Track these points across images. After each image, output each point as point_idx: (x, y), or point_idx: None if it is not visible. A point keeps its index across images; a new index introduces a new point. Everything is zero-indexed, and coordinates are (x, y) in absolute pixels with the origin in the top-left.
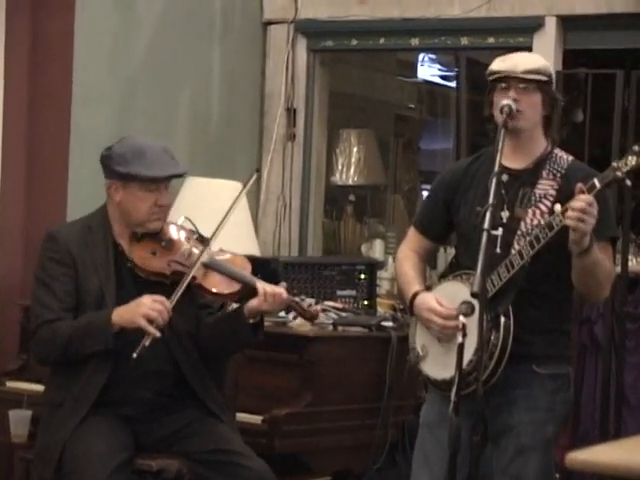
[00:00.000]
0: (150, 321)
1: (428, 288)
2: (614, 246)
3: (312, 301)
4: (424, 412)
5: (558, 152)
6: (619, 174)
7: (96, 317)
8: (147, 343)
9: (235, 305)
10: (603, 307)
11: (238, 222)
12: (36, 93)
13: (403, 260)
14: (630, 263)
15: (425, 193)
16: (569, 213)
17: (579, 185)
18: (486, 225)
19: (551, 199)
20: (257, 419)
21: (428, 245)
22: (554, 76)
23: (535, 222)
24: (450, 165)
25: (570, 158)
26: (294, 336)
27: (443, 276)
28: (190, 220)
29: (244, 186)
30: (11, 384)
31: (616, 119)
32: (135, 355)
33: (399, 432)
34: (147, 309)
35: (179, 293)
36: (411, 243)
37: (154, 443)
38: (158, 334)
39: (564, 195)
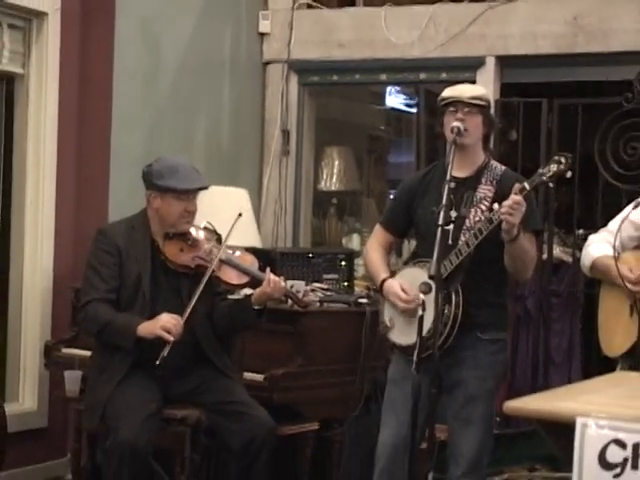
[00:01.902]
0: (167, 331)
1: (393, 273)
2: (537, 237)
3: (303, 288)
4: (390, 370)
5: (494, 163)
6: (544, 178)
7: (128, 322)
8: (166, 353)
9: (243, 292)
10: (533, 286)
11: (244, 221)
12: (84, 120)
13: (371, 251)
14: (554, 251)
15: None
16: (502, 209)
17: (516, 185)
18: (440, 221)
19: (489, 200)
20: (259, 377)
21: (391, 239)
22: (492, 103)
23: (477, 219)
24: (410, 175)
25: (503, 168)
26: (289, 311)
27: (405, 263)
28: (211, 224)
29: (227, 232)
30: (65, 350)
31: (542, 138)
32: (158, 362)
33: (372, 387)
34: (164, 323)
35: (200, 289)
36: (377, 237)
37: (178, 397)
38: (172, 339)
39: (499, 197)
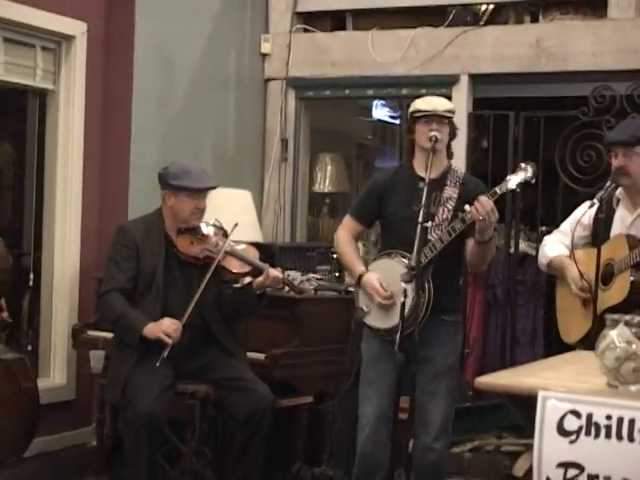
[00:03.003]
0: (167, 335)
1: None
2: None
3: (299, 277)
4: (365, 351)
5: (455, 167)
6: (511, 184)
7: (136, 321)
8: (165, 354)
9: (245, 281)
10: (502, 275)
11: (247, 219)
12: (107, 130)
13: (343, 242)
14: (520, 245)
15: None
16: (480, 212)
17: (485, 195)
18: (420, 219)
19: (454, 200)
20: (261, 356)
21: (360, 229)
22: (464, 115)
23: (444, 216)
24: (380, 173)
25: (463, 171)
26: (287, 298)
27: (380, 255)
28: (218, 221)
29: (233, 227)
30: (90, 332)
31: (510, 146)
32: (158, 364)
33: (359, 365)
34: (165, 327)
35: (207, 277)
36: (348, 227)
37: (189, 373)
38: (170, 342)
39: (463, 197)
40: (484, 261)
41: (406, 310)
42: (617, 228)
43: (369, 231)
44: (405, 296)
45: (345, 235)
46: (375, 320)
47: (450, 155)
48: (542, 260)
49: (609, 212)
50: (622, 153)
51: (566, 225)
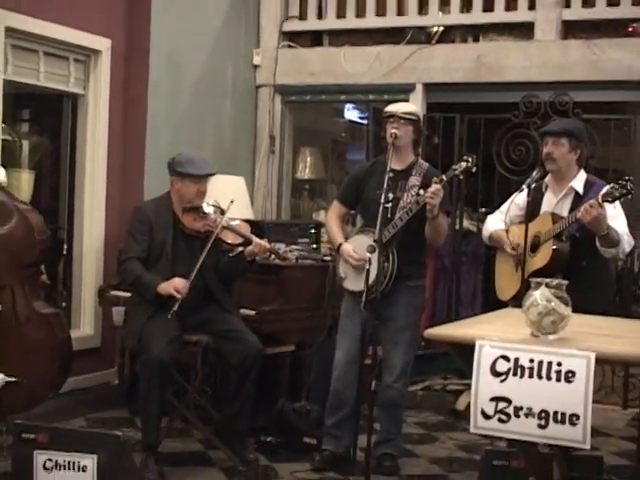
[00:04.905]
0: (177, 290)
1: (346, 238)
2: (448, 215)
3: (284, 248)
4: (342, 308)
5: (420, 161)
6: (457, 172)
7: (151, 281)
8: (176, 307)
9: (239, 250)
10: (448, 248)
11: (241, 200)
12: (126, 128)
13: (330, 221)
14: (464, 223)
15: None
16: (426, 194)
17: (434, 179)
18: (382, 201)
19: (417, 187)
20: (252, 312)
21: (344, 211)
22: (421, 116)
23: (408, 200)
24: (360, 164)
25: (427, 165)
26: (274, 265)
27: (357, 232)
28: (217, 201)
29: (228, 206)
30: (113, 292)
31: (456, 142)
32: (169, 316)
33: (333, 320)
34: (176, 284)
35: (207, 247)
36: (334, 210)
37: (193, 326)
38: (180, 297)
39: (424, 185)
40: (438, 235)
41: (371, 276)
42: (545, 208)
43: (352, 212)
44: (369, 264)
45: (332, 215)
46: (350, 284)
47: (416, 151)
48: (485, 234)
49: (538, 195)
50: (551, 142)
51: (505, 206)
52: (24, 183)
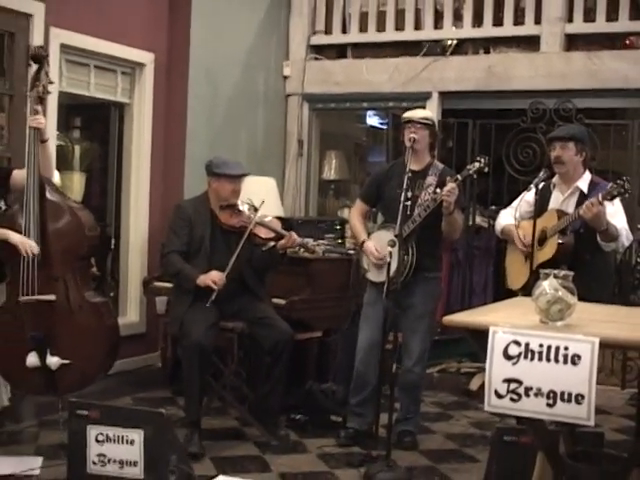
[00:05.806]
0: (214, 282)
1: (368, 233)
2: (463, 212)
3: (311, 242)
4: (365, 297)
5: (436, 162)
6: (470, 172)
7: (191, 273)
8: (213, 297)
9: (271, 244)
10: (462, 242)
11: (272, 199)
12: (168, 134)
13: (353, 218)
14: (476, 219)
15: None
16: (443, 192)
17: (449, 178)
18: (402, 199)
19: (434, 186)
20: (282, 301)
21: (366, 208)
22: (436, 122)
23: (426, 198)
24: (380, 166)
25: (442, 165)
26: (303, 258)
27: (379, 227)
28: (250, 199)
29: (260, 204)
30: (156, 283)
31: (469, 145)
32: (207, 305)
33: (356, 308)
34: (213, 277)
35: (242, 242)
36: (357, 208)
37: (229, 313)
38: (216, 288)
39: (440, 184)
40: (454, 230)
41: (392, 268)
42: (552, 205)
43: (373, 210)
44: (390, 257)
45: (355, 213)
46: (372, 275)
47: (432, 153)
48: (497, 228)
49: (547, 194)
50: (559, 146)
51: (516, 202)
52: (76, 184)
